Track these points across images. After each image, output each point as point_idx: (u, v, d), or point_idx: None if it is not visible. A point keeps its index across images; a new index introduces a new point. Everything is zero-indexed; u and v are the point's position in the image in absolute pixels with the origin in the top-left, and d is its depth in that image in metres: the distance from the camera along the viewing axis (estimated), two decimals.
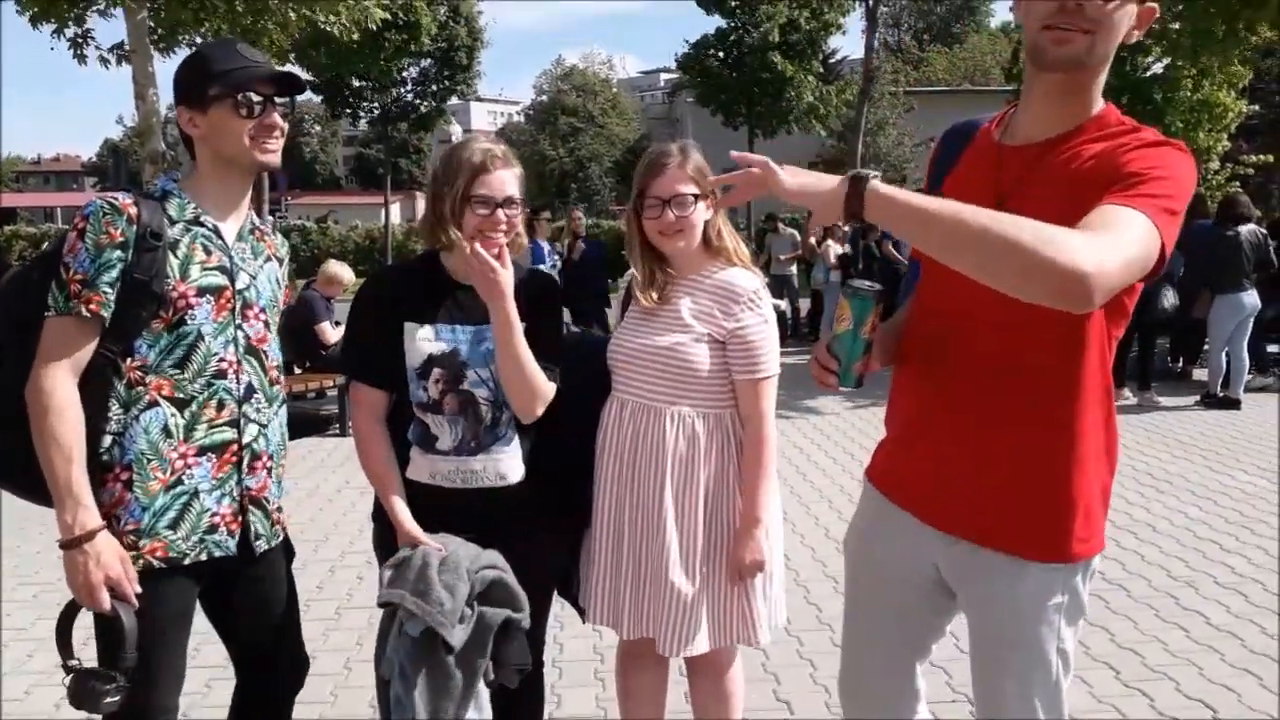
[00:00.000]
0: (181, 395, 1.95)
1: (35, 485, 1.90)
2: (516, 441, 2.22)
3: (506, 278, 2.08)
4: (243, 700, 2.21)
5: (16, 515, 5.49)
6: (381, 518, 2.29)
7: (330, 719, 3.25)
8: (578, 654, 3.62)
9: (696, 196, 2.29)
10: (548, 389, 2.20)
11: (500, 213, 2.13)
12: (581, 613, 2.46)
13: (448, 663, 2.05)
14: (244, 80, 1.94)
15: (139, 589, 1.89)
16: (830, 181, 1.52)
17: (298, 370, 8.02)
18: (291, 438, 2.24)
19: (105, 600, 1.85)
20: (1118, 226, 1.40)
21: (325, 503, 5.79)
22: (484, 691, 2.14)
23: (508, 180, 2.15)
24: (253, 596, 2.13)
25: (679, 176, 2.29)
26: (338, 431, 7.79)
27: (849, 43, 46.75)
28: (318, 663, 3.64)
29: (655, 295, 2.35)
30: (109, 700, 1.85)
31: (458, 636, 2.03)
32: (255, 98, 1.95)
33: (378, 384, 2.20)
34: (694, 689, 2.57)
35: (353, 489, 5.97)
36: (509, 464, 2.22)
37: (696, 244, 2.34)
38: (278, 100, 2.00)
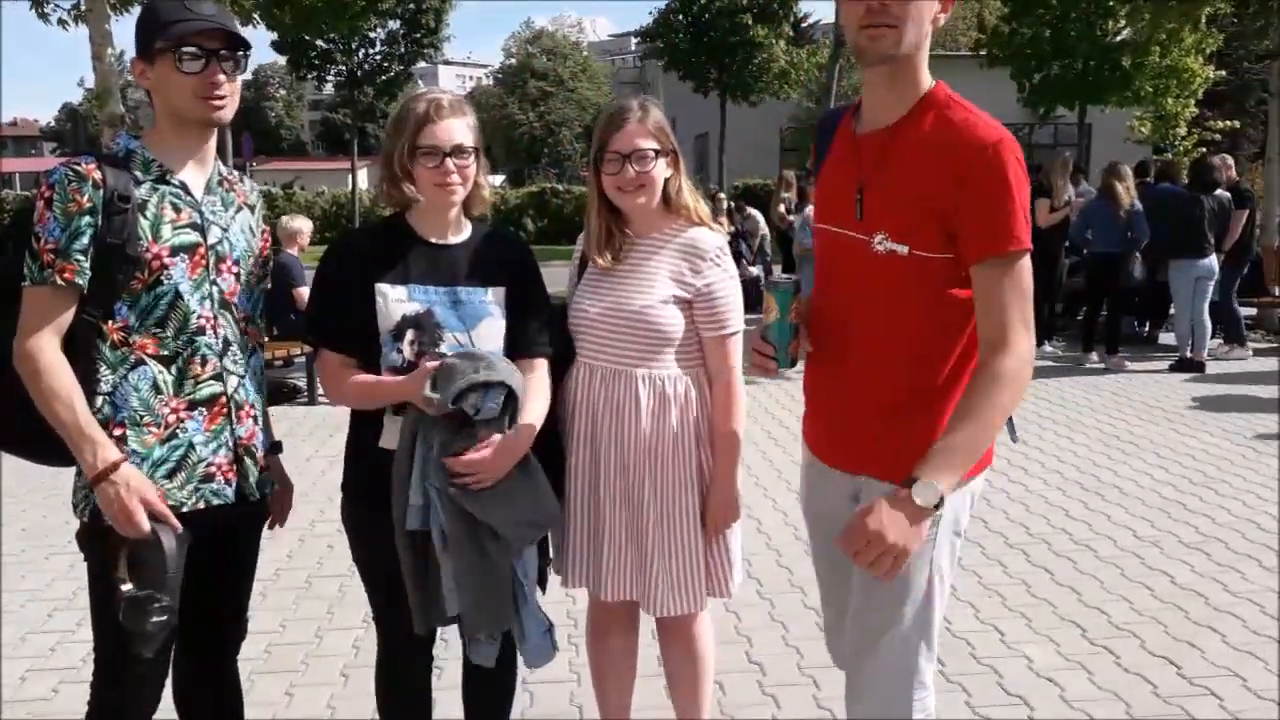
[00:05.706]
0: (166, 352, 1.96)
1: (39, 446, 1.93)
2: None
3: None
4: (186, 658, 2.17)
5: (30, 481, 5.41)
6: (349, 488, 2.25)
7: (301, 686, 3.24)
8: (551, 618, 3.60)
9: (657, 152, 2.27)
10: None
11: (449, 162, 2.08)
12: (554, 575, 2.44)
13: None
14: (183, 33, 1.89)
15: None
16: None
17: (266, 338, 7.90)
18: None
19: (144, 523, 1.86)
20: (1008, 306, 1.72)
21: (294, 472, 5.66)
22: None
23: (455, 128, 2.09)
24: (228, 555, 2.15)
25: (639, 131, 2.26)
26: (306, 400, 7.71)
27: (821, 8, 46.49)
28: (288, 632, 3.64)
29: (610, 255, 2.33)
30: (156, 620, 1.90)
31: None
32: (195, 52, 1.89)
33: (346, 350, 2.15)
34: (666, 651, 2.58)
35: (321, 458, 5.92)
36: None
37: (656, 201, 2.32)
38: (224, 55, 1.93)
